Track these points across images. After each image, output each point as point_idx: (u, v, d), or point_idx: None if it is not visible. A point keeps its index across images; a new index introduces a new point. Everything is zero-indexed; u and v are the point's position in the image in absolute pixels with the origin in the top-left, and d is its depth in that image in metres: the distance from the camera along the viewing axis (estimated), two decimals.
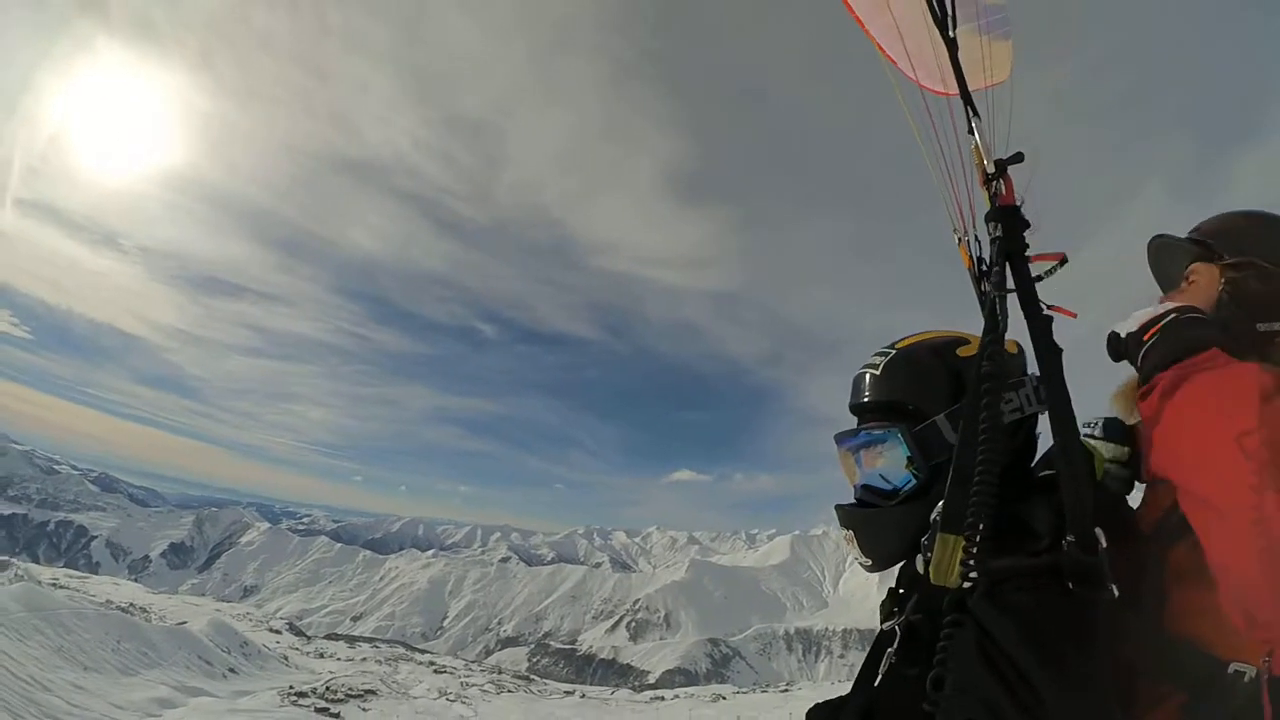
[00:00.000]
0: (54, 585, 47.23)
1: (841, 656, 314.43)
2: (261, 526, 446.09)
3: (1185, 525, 1.18)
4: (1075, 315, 1.45)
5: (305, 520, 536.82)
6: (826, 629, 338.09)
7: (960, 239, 1.64)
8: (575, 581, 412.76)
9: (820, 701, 1.42)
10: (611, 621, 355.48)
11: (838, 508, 1.53)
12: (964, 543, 1.07)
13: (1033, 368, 1.31)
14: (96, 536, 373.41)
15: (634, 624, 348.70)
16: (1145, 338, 1.33)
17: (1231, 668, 1.09)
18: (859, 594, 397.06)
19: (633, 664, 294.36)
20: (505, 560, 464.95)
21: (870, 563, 1.44)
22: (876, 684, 1.30)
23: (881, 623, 1.41)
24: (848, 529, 1.47)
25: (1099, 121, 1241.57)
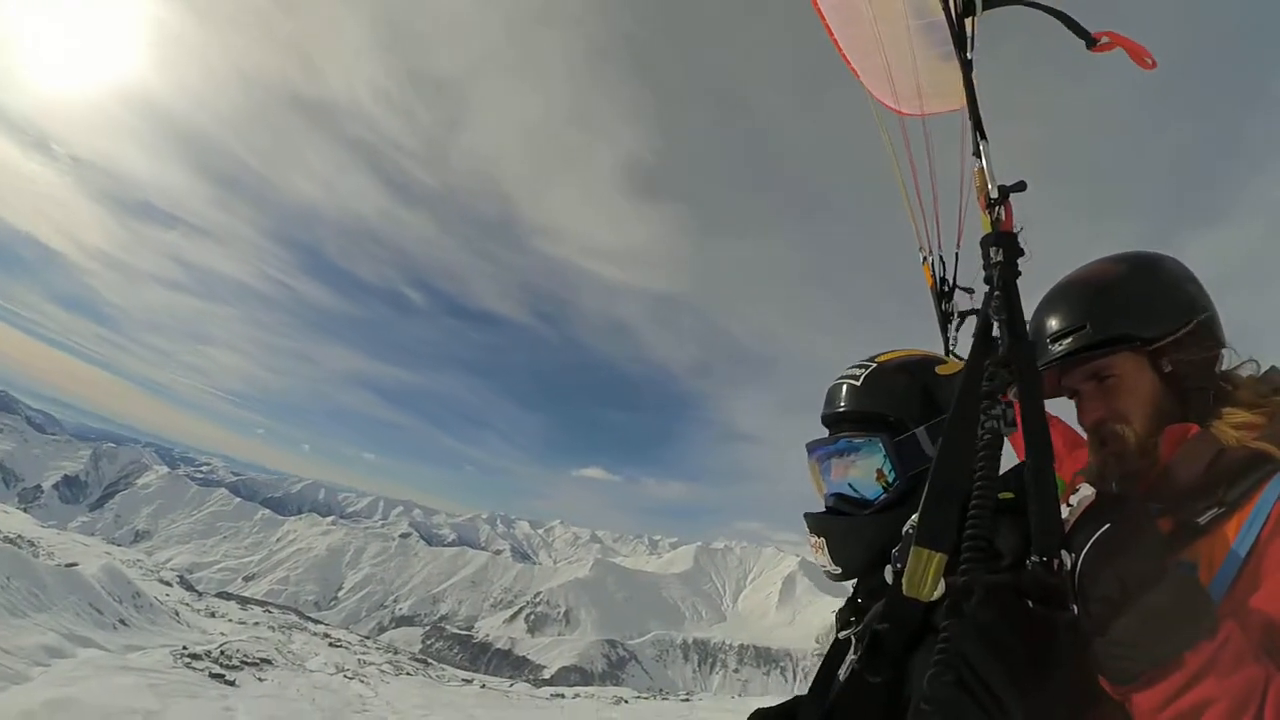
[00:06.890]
0: None
1: (736, 671, 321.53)
2: (160, 470, 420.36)
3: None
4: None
5: (204, 469, 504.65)
6: (724, 642, 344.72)
7: (925, 258, 1.62)
8: (477, 567, 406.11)
9: (763, 708, 1.42)
10: (510, 612, 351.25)
11: (808, 515, 1.52)
12: (940, 557, 1.07)
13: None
14: None
15: (533, 616, 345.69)
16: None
17: None
18: (757, 612, 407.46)
19: (529, 657, 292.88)
20: (406, 536, 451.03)
21: (839, 571, 1.44)
22: (838, 690, 1.30)
23: (837, 632, 1.41)
24: (819, 536, 1.47)
25: (1064, 183, 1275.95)
